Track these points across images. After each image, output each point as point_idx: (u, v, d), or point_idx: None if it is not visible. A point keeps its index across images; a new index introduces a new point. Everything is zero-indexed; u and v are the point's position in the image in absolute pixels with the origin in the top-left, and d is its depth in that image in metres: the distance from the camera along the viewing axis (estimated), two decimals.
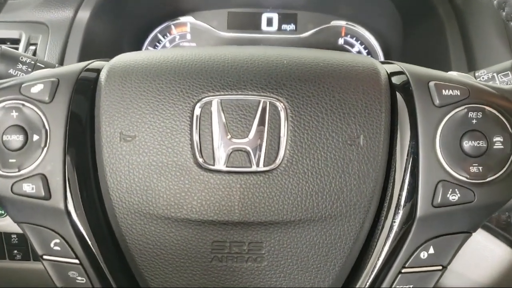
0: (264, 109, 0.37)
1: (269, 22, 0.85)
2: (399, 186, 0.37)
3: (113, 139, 0.37)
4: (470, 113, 0.37)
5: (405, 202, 0.36)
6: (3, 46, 0.53)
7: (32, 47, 0.69)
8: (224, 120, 0.36)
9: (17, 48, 0.69)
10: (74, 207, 0.37)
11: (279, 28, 0.85)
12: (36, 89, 0.38)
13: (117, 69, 0.39)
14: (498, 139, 0.36)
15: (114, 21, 0.75)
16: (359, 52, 0.83)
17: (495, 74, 0.50)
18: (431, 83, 0.37)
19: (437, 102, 0.37)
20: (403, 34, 0.76)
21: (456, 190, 0.36)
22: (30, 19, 0.69)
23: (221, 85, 0.37)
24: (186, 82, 0.37)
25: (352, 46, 0.83)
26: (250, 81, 0.37)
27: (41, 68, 0.54)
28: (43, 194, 0.37)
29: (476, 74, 0.51)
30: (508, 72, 0.49)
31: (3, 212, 0.65)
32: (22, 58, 0.53)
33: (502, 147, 0.36)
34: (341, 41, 0.84)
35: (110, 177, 0.37)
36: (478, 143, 0.36)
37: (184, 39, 0.85)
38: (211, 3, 0.84)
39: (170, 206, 0.36)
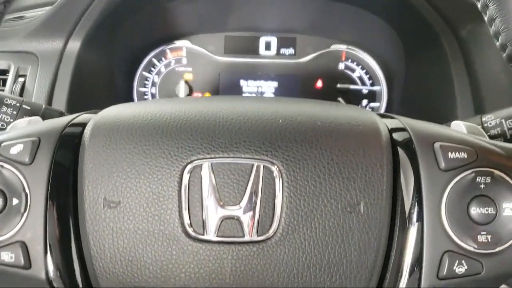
0: (257, 173, 0.34)
1: (268, 46, 0.83)
2: (403, 256, 0.34)
3: (97, 204, 0.35)
4: (478, 177, 0.34)
5: (409, 274, 0.34)
6: None
7: (21, 79, 0.67)
8: (215, 186, 0.34)
9: (5, 80, 0.67)
10: (56, 277, 0.35)
11: (278, 53, 0.83)
12: (16, 149, 0.36)
13: (103, 126, 0.37)
14: (508, 205, 0.34)
15: (106, 49, 0.73)
16: (360, 77, 0.81)
17: (503, 121, 0.48)
18: (436, 145, 0.35)
19: (442, 165, 0.35)
20: (405, 60, 0.75)
21: (463, 261, 0.34)
22: (19, 49, 0.68)
23: (212, 147, 0.35)
24: (174, 144, 0.35)
25: (353, 71, 0.81)
26: (243, 142, 0.35)
27: (27, 110, 0.52)
28: (22, 263, 0.35)
29: (483, 119, 0.49)
30: None
31: None
32: (7, 101, 0.51)
33: (511, 215, 0.34)
34: (341, 65, 0.82)
35: (93, 245, 0.35)
36: (487, 210, 0.34)
37: (180, 64, 0.83)
38: (207, 27, 0.82)
39: (156, 278, 0.34)
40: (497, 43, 0.37)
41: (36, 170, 0.36)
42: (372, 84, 0.81)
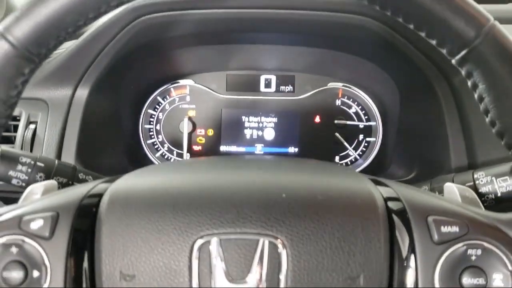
0: (263, 248, 0.36)
1: (268, 84, 0.85)
2: None
3: (113, 277, 0.37)
4: (469, 250, 0.36)
5: None
6: (3, 147, 0.53)
7: (32, 126, 0.69)
8: (223, 261, 0.36)
9: (16, 126, 0.69)
10: None
11: (277, 90, 0.85)
12: (36, 224, 0.38)
13: (118, 201, 0.39)
14: (497, 276, 0.36)
15: (113, 93, 0.76)
16: (356, 113, 0.83)
17: (493, 178, 0.50)
18: (430, 219, 0.37)
19: (436, 238, 0.36)
20: (399, 101, 0.76)
21: None
22: (30, 96, 0.70)
23: (220, 223, 0.37)
24: (184, 219, 0.37)
25: (350, 107, 0.83)
26: (249, 217, 0.37)
27: (39, 168, 0.54)
28: None
29: (475, 175, 0.51)
30: (507, 177, 0.48)
31: None
32: (21, 159, 0.53)
33: (502, 284, 0.36)
34: (338, 102, 0.84)
35: None
36: (478, 281, 0.36)
37: (184, 101, 0.85)
38: (210, 67, 0.84)
39: None
40: (487, 120, 0.39)
41: (55, 244, 0.38)
42: (367, 120, 0.83)
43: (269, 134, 0.85)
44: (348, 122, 0.84)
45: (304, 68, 0.83)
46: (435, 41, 0.38)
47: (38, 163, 0.53)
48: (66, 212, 0.39)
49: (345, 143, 0.84)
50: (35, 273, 0.38)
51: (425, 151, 0.70)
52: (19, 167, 0.52)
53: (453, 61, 0.39)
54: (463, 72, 0.39)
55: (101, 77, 0.70)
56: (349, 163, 0.84)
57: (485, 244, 0.37)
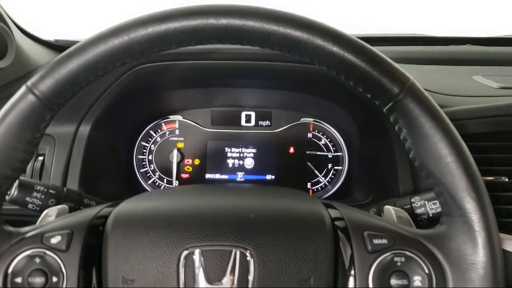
0: (235, 257, 0.45)
1: (248, 119, 0.94)
2: None
3: (117, 281, 0.45)
4: (395, 257, 0.46)
5: None
6: (20, 177, 0.62)
7: (40, 158, 0.76)
8: (203, 267, 0.45)
9: None
10: None
11: (256, 124, 0.94)
12: (55, 240, 0.47)
13: (120, 221, 0.48)
14: (417, 277, 0.45)
15: (111, 129, 0.83)
16: (325, 144, 0.93)
17: (426, 202, 0.60)
18: (365, 233, 0.47)
19: (369, 249, 0.46)
20: (359, 136, 0.87)
21: None
22: None
23: (202, 237, 0.46)
24: (173, 235, 0.46)
25: (320, 139, 0.93)
26: (224, 233, 0.46)
27: (51, 194, 0.63)
28: None
29: (412, 200, 0.61)
30: (436, 201, 0.59)
31: None
32: (36, 187, 0.61)
33: (421, 284, 0.45)
34: (310, 135, 0.93)
35: None
36: (402, 282, 0.45)
37: (173, 134, 0.94)
38: (196, 104, 0.93)
39: None
40: (410, 156, 0.49)
41: (70, 256, 0.46)
42: (335, 151, 0.93)
43: (249, 163, 0.93)
44: (318, 153, 0.92)
45: (279, 106, 0.92)
46: (370, 95, 0.48)
47: (50, 190, 0.62)
48: (79, 230, 0.48)
49: (316, 171, 0.92)
50: (54, 279, 0.46)
51: (379, 178, 0.79)
52: (34, 194, 0.61)
53: (384, 110, 0.49)
54: (391, 119, 0.49)
55: (101, 115, 0.77)
56: (319, 189, 0.93)
57: (408, 253, 0.46)
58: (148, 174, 0.94)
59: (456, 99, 0.74)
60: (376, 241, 0.46)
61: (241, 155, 0.94)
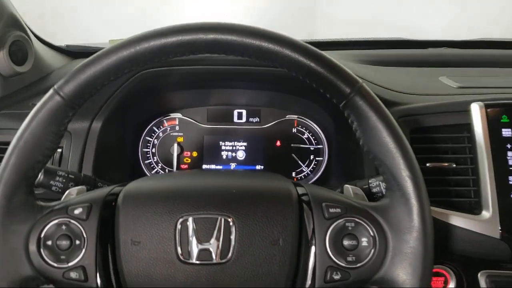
0: (220, 223, 0.57)
1: (239, 116, 1.04)
2: (305, 269, 0.57)
3: (127, 243, 0.57)
4: (347, 223, 0.57)
5: (309, 280, 0.57)
6: (46, 165, 0.73)
7: (59, 150, 0.87)
8: (195, 230, 0.56)
9: None
10: (102, 286, 0.57)
11: (247, 120, 1.04)
12: (78, 211, 0.58)
13: (129, 196, 0.59)
14: (364, 239, 0.56)
15: (119, 125, 0.93)
16: (308, 138, 1.04)
17: (380, 182, 0.71)
18: (323, 204, 0.58)
19: (326, 216, 0.57)
20: (335, 131, 0.98)
21: (338, 272, 0.55)
22: None
23: (194, 208, 0.57)
24: (172, 207, 0.57)
25: (303, 134, 1.04)
26: (212, 204, 0.57)
27: (71, 179, 0.74)
28: (83, 279, 0.55)
29: (369, 181, 0.72)
30: None
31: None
32: (58, 173, 0.73)
33: (366, 245, 0.56)
34: (294, 130, 1.03)
35: (124, 268, 0.56)
36: (352, 242, 0.56)
37: (174, 130, 1.04)
38: (194, 103, 1.03)
39: (163, 286, 0.56)
40: (360, 143, 0.60)
41: (90, 224, 0.57)
42: (317, 144, 1.04)
43: (241, 155, 1.03)
44: (302, 146, 1.02)
45: (267, 104, 1.01)
46: (328, 95, 0.59)
47: (70, 175, 0.73)
48: (96, 204, 0.59)
49: (300, 162, 1.02)
50: (77, 242, 0.57)
51: (351, 167, 0.90)
52: (57, 178, 0.72)
53: (340, 107, 0.60)
54: (345, 114, 0.60)
55: (110, 113, 0.86)
56: (303, 177, 1.04)
57: (357, 220, 0.57)
58: (152, 165, 1.05)
59: (416, 97, 0.85)
60: (331, 210, 0.57)
61: (234, 148, 1.04)
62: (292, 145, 1.03)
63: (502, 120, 0.74)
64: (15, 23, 0.96)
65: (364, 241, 0.56)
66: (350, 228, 0.56)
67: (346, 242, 0.56)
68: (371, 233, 0.56)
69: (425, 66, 1.15)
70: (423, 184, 0.56)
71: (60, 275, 0.55)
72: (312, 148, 1.04)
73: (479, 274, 0.74)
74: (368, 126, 0.56)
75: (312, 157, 1.03)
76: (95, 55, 0.56)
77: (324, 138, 1.03)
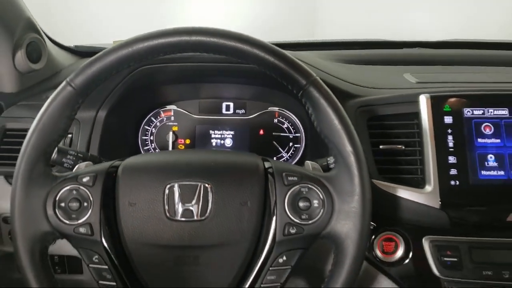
0: (200, 188, 0.70)
1: (227, 108, 1.14)
2: (268, 225, 0.69)
3: (124, 205, 0.69)
4: (302, 188, 0.70)
5: (271, 234, 0.69)
6: (59, 145, 0.87)
7: (69, 135, 0.98)
8: (180, 194, 0.69)
9: None
10: (105, 240, 0.69)
11: (234, 112, 1.14)
12: (85, 179, 0.70)
13: (127, 168, 0.72)
14: (315, 201, 0.68)
15: (122, 114, 1.04)
16: (287, 127, 1.15)
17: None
18: (283, 173, 0.71)
19: (285, 183, 0.70)
20: (310, 121, 1.11)
21: (294, 227, 0.66)
22: None
23: (179, 176, 0.70)
24: (162, 175, 0.70)
25: (283, 124, 1.15)
26: (194, 173, 0.70)
27: (80, 157, 0.87)
28: (90, 233, 0.66)
29: (328, 159, 0.85)
30: None
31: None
32: (69, 152, 0.85)
33: (317, 206, 0.69)
34: (275, 120, 1.13)
35: (123, 224, 0.69)
36: (306, 204, 0.68)
37: (169, 120, 1.14)
38: (187, 96, 1.13)
39: (153, 239, 0.68)
40: (314, 125, 0.73)
41: (95, 189, 0.69)
42: (295, 132, 1.14)
43: (229, 142, 1.13)
44: (282, 134, 1.13)
45: (252, 97, 1.12)
46: (289, 86, 0.72)
47: (79, 154, 0.86)
48: (100, 173, 0.72)
49: (280, 149, 1.13)
50: (85, 204, 0.69)
51: (321, 152, 1.03)
52: (68, 156, 0.84)
53: (298, 96, 0.73)
54: (303, 102, 0.73)
55: (113, 104, 0.96)
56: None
57: (310, 186, 0.69)
58: (150, 151, 1.18)
59: (376, 91, 0.98)
60: (290, 178, 0.70)
61: (222, 136, 1.14)
62: (273, 133, 1.12)
63: (444, 109, 0.87)
64: (31, 26, 1.10)
65: (315, 203, 0.67)
66: (304, 192, 0.67)
67: (301, 204, 0.67)
68: (321, 197, 0.67)
69: (397, 64, 1.27)
70: (363, 157, 0.68)
71: (71, 230, 0.66)
72: (291, 137, 1.15)
73: (423, 239, 0.86)
74: (320, 111, 0.69)
75: (291, 144, 1.15)
76: (100, 53, 0.69)
77: (301, 128, 1.15)
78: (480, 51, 1.42)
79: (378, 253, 0.88)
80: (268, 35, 1.39)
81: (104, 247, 0.67)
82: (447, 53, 1.40)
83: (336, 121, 0.68)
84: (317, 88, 0.67)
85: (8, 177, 0.98)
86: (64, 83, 0.69)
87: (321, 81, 0.69)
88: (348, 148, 0.67)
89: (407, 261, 0.87)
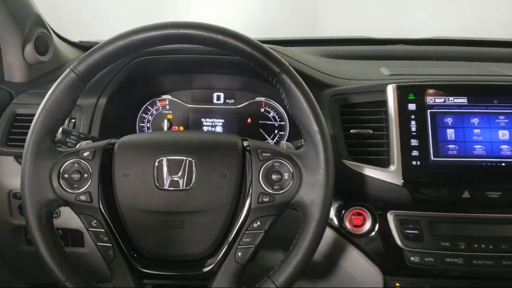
0: (185, 163, 0.79)
1: (218, 97, 1.22)
2: (245, 195, 0.78)
3: (119, 176, 0.77)
4: (274, 163, 0.78)
5: (247, 202, 0.78)
6: (63, 126, 0.96)
7: (73, 120, 1.09)
8: (168, 167, 0.78)
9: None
10: (102, 206, 0.78)
11: (224, 102, 1.22)
12: (86, 154, 0.79)
13: (122, 145, 0.82)
14: (286, 174, 0.76)
15: (121, 102, 1.12)
16: (273, 116, 1.24)
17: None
18: (259, 150, 0.80)
19: (260, 158, 0.79)
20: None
21: (267, 196, 0.74)
22: None
23: (167, 152, 0.79)
24: (152, 151, 0.78)
25: (269, 113, 1.24)
26: (181, 150, 0.79)
27: (81, 137, 0.97)
28: (89, 200, 0.75)
29: (302, 140, 0.94)
30: None
31: (56, 214, 1.08)
32: (72, 133, 0.95)
33: (287, 178, 0.78)
34: (262, 109, 1.21)
35: (118, 193, 0.77)
36: (278, 176, 0.76)
37: (165, 109, 1.22)
38: (181, 87, 1.21)
39: (144, 206, 0.77)
40: (287, 109, 0.82)
41: (94, 162, 0.77)
42: (280, 121, 1.21)
43: (219, 129, 1.20)
44: (268, 122, 1.20)
45: (240, 88, 1.20)
46: (266, 74, 0.81)
47: (81, 135, 0.95)
48: (99, 149, 0.81)
49: (266, 135, 1.19)
50: (85, 175, 0.78)
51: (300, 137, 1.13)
52: (72, 137, 0.92)
53: (273, 83, 0.82)
54: (277, 88, 0.82)
55: (113, 92, 1.04)
56: None
57: (281, 161, 0.76)
58: None
59: (349, 82, 1.07)
60: (264, 154, 0.78)
61: (213, 124, 1.20)
62: (260, 121, 1.19)
63: (409, 97, 0.96)
64: (39, 22, 1.20)
65: (286, 176, 0.74)
66: (276, 166, 0.75)
67: (273, 176, 0.75)
68: (291, 170, 0.75)
69: (380, 59, 1.36)
70: (328, 136, 0.78)
71: (73, 198, 0.75)
72: (276, 125, 1.20)
73: (388, 214, 0.95)
74: (291, 96, 0.77)
75: (276, 131, 1.23)
76: (100, 43, 0.79)
77: (286, 116, 1.23)
78: (458, 48, 1.51)
79: (348, 226, 0.97)
80: (268, 35, 1.48)
81: (102, 212, 0.75)
82: (426, 49, 1.49)
83: (305, 104, 0.77)
84: (289, 76, 0.75)
85: (18, 157, 1.07)
86: (68, 70, 0.78)
87: (293, 70, 0.78)
88: (315, 127, 0.76)
89: (373, 233, 0.96)
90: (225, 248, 0.78)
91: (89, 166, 0.77)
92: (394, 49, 1.48)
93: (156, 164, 0.77)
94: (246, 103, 1.22)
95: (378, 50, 1.47)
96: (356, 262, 0.98)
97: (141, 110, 1.26)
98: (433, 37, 1.62)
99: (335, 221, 0.95)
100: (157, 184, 0.76)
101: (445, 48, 1.52)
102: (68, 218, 1.03)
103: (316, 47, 1.43)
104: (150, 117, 1.26)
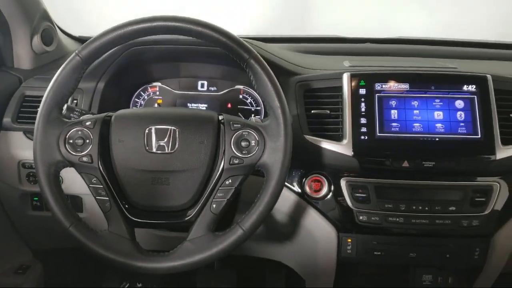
0: (170, 131, 0.95)
1: (202, 85, 1.36)
2: (219, 158, 0.93)
3: (116, 141, 0.92)
4: (243, 132, 0.94)
5: (221, 164, 0.94)
6: (68, 104, 1.12)
7: (75, 101, 1.25)
8: (156, 135, 0.94)
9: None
10: (101, 166, 0.94)
11: (207, 89, 1.36)
12: (88, 123, 0.93)
13: (118, 117, 0.98)
14: (253, 141, 0.92)
15: (117, 87, 1.25)
16: (250, 102, 1.41)
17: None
18: (231, 122, 0.96)
19: (232, 128, 0.91)
20: None
21: (237, 159, 0.87)
22: None
23: (155, 122, 0.94)
24: (143, 122, 0.93)
25: (247, 99, 1.38)
26: (167, 121, 0.94)
27: (83, 113, 1.12)
28: (90, 161, 0.89)
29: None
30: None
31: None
32: (76, 109, 1.11)
33: (254, 144, 0.93)
34: (241, 96, 1.36)
35: (115, 155, 0.93)
36: (246, 143, 0.91)
37: (155, 95, 1.36)
38: (170, 75, 1.35)
39: (136, 165, 0.93)
40: (255, 90, 0.99)
41: (95, 130, 0.91)
42: (257, 106, 1.36)
43: None
44: (245, 107, 1.30)
45: (222, 77, 1.34)
46: (237, 60, 0.97)
47: (83, 111, 1.10)
48: (99, 120, 0.95)
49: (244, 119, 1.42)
50: (87, 141, 0.92)
51: None
52: (75, 112, 1.05)
53: (244, 67, 0.98)
54: (247, 71, 0.98)
55: (110, 78, 1.16)
56: None
57: (249, 131, 0.91)
58: None
59: (313, 71, 1.24)
60: (235, 125, 0.93)
61: (198, 108, 1.42)
62: (238, 106, 1.31)
63: (360, 84, 1.13)
64: (46, 17, 1.35)
65: (253, 143, 0.88)
66: (245, 135, 0.89)
67: (242, 143, 0.89)
68: (257, 138, 0.89)
69: (346, 55, 1.53)
70: (288, 110, 0.94)
71: (77, 159, 0.88)
72: (253, 109, 1.32)
73: (341, 180, 1.11)
74: (258, 78, 0.93)
75: (253, 115, 1.36)
76: (101, 32, 0.94)
77: (261, 102, 1.39)
78: (419, 46, 1.68)
79: (308, 190, 1.13)
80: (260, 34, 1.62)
81: (100, 171, 0.89)
82: (390, 47, 1.66)
83: (269, 85, 0.93)
84: (256, 61, 0.91)
85: (26, 132, 1.23)
86: (73, 54, 0.94)
87: (259, 56, 0.94)
88: (277, 104, 0.93)
89: (329, 196, 1.12)
90: (202, 201, 0.93)
91: (90, 133, 0.91)
92: (362, 47, 1.64)
93: (146, 132, 0.91)
94: (226, 90, 1.33)
95: (347, 47, 1.63)
96: (315, 222, 1.14)
97: (134, 95, 1.40)
98: (397, 37, 1.78)
99: (297, 187, 1.10)
100: (147, 148, 0.90)
101: (407, 46, 1.68)
102: (68, 185, 1.17)
103: (293, 44, 1.59)
104: (142, 101, 1.41)
